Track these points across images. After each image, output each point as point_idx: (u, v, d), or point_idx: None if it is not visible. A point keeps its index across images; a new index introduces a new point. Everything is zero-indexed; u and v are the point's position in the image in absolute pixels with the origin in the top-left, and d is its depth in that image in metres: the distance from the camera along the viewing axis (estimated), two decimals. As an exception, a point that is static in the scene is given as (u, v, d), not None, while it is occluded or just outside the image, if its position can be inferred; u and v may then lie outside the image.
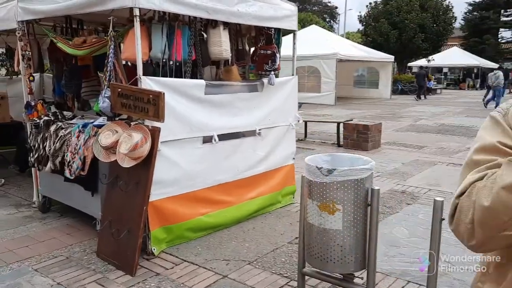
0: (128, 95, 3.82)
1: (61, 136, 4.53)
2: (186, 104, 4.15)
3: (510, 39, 44.94)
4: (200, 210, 4.42)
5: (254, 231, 4.65)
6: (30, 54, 5.04)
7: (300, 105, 5.86)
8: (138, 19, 3.72)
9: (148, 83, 3.82)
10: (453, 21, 32.48)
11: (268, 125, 5.07)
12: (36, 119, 4.96)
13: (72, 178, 4.33)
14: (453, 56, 35.97)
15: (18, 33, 4.96)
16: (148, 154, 3.67)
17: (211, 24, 4.48)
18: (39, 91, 9.11)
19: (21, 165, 7.01)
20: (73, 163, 4.33)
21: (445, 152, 9.19)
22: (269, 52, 4.86)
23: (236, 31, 5.25)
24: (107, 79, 4.00)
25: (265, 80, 4.93)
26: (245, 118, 4.79)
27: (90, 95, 5.46)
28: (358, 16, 33.80)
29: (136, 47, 3.77)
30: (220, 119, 4.51)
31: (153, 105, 3.69)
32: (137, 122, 3.88)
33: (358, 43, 28.96)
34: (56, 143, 4.51)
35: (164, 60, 4.23)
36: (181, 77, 4.34)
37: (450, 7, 31.73)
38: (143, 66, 5.61)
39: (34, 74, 9.61)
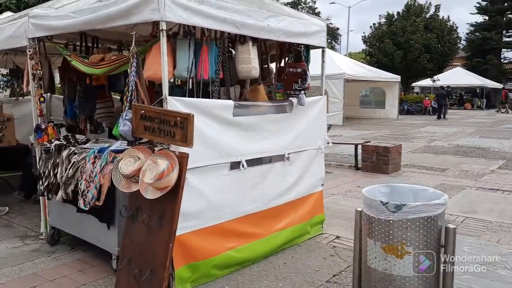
0: (152, 118, 3.43)
1: (74, 162, 4.14)
2: (213, 127, 3.76)
3: (513, 59, 45.01)
4: (227, 244, 3.99)
5: (285, 267, 4.21)
6: (41, 73, 4.68)
7: (329, 126, 5.46)
8: (164, 34, 3.36)
9: (174, 104, 3.44)
10: (458, 41, 32.46)
11: (297, 148, 4.67)
12: (46, 143, 4.57)
13: (86, 208, 3.91)
14: (457, 76, 35.81)
15: (29, 51, 4.61)
16: (175, 184, 3.26)
17: (240, 40, 4.13)
18: (46, 113, 8.81)
19: (27, 191, 6.59)
20: (87, 192, 3.92)
21: (470, 175, 8.77)
22: (298, 70, 4.51)
23: (260, 48, 4.91)
24: (128, 99, 3.63)
25: (294, 100, 4.56)
26: (274, 142, 4.40)
27: (104, 117, 5.09)
28: (362, 36, 33.80)
29: (162, 65, 3.40)
30: (248, 143, 4.12)
31: (180, 129, 3.30)
32: (161, 147, 3.48)
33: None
34: (69, 170, 4.11)
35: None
36: (202, 98, 3.98)
37: (455, 28, 31.74)
38: (160, 85, 5.28)
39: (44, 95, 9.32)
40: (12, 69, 7.41)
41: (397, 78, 24.33)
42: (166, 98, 3.41)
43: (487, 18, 42.76)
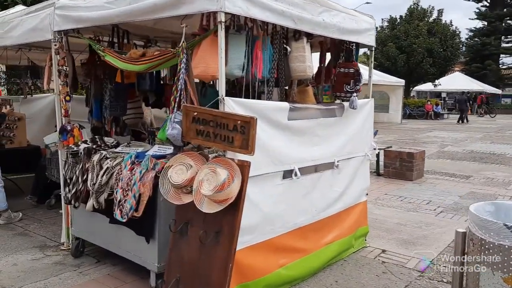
0: (206, 121, 3.05)
1: (108, 168, 3.74)
2: (268, 132, 3.39)
3: (511, 65, 45.16)
4: (279, 261, 3.62)
5: (338, 286, 3.84)
6: (67, 70, 4.29)
7: (375, 132, 5.11)
8: (223, 27, 2.98)
9: (232, 105, 3.07)
10: (461, 46, 32.34)
11: (346, 156, 4.31)
12: (73, 146, 4.18)
13: (124, 220, 3.51)
14: (456, 81, 35.63)
15: (55, 45, 4.22)
16: (235, 196, 2.88)
17: (294, 36, 3.76)
18: (53, 111, 8.37)
19: (40, 196, 6.18)
20: (125, 202, 3.53)
21: (496, 183, 8.46)
22: (351, 70, 4.15)
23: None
24: (175, 100, 3.24)
25: (345, 103, 4.20)
26: (324, 148, 4.03)
27: (133, 118, 4.69)
28: (364, 39, 33.48)
29: (219, 61, 3.03)
30: (301, 149, 3.75)
31: (240, 134, 2.92)
32: (216, 154, 3.10)
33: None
34: (103, 176, 3.71)
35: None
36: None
37: (457, 32, 31.63)
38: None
39: (46, 94, 8.88)
40: (10, 66, 6.90)
41: (401, 82, 24.10)
42: (223, 99, 3.03)
43: (486, 23, 42.84)
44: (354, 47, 4.32)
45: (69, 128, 4.27)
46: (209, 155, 3.09)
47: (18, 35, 4.78)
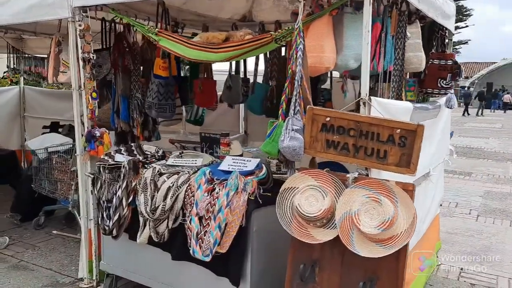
0: (344, 129, 2.27)
1: (169, 187, 2.84)
2: (393, 140, 2.65)
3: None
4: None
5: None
6: (94, 58, 3.28)
7: (451, 133, 4.52)
8: (371, 1, 2.20)
9: (377, 108, 2.30)
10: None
11: (435, 163, 3.67)
12: (106, 157, 3.21)
13: (207, 259, 2.64)
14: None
15: (80, 26, 3.20)
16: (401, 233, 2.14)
17: (409, 18, 3.03)
18: (17, 107, 7.09)
19: (24, 213, 5.04)
20: (205, 234, 2.65)
21: (501, 180, 8.28)
22: (449, 62, 3.49)
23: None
24: (288, 101, 2.42)
25: (440, 101, 3.57)
26: (424, 156, 3.34)
27: (173, 120, 3.76)
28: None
29: (363, 48, 2.25)
30: (411, 159, 3.05)
31: (399, 147, 2.19)
32: (358, 174, 2.32)
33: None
34: (166, 199, 2.80)
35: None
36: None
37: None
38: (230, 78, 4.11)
39: (9, 87, 7.54)
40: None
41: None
42: (369, 99, 2.26)
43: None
44: (447, 35, 3.68)
45: (98, 134, 3.28)
46: (348, 175, 2.30)
47: (13, 13, 3.67)
